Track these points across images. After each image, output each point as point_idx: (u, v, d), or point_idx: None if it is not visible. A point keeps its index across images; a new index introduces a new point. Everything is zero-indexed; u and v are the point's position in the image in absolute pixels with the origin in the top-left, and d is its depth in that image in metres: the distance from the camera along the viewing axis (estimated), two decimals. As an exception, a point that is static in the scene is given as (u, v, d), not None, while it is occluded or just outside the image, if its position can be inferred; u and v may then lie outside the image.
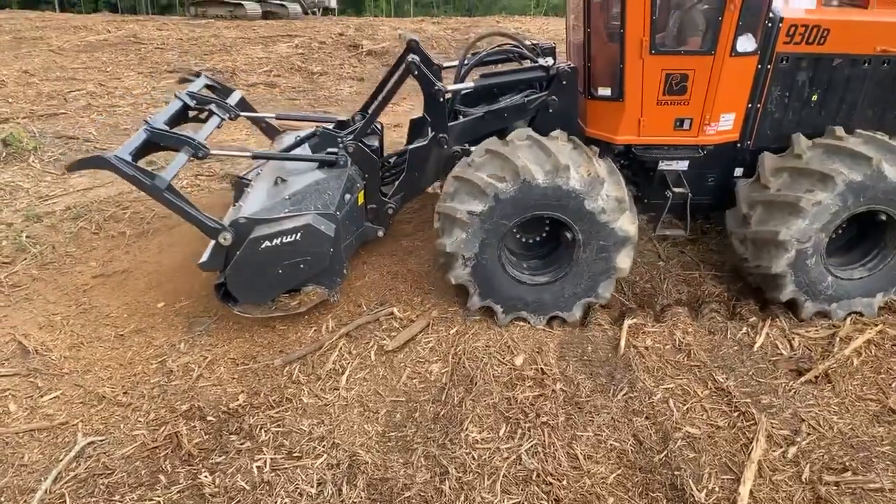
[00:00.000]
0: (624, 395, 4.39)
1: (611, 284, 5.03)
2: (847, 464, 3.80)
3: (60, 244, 6.01)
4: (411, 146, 5.44)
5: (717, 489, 3.64)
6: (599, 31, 5.04)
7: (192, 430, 4.08)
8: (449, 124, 5.26)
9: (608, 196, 4.69)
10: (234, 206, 5.52)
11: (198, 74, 6.63)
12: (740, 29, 4.58)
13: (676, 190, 5.08)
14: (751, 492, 3.60)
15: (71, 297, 5.34)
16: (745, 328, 5.07)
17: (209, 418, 4.19)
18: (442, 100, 5.14)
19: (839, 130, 4.96)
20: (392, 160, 5.97)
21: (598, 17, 5.04)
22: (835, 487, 3.63)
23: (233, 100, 6.32)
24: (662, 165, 5.21)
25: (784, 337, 4.99)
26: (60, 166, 7.90)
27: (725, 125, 5.04)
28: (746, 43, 4.70)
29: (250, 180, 5.62)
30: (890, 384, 4.47)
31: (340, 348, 4.78)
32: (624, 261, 4.90)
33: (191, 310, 5.23)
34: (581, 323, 5.22)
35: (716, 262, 6.05)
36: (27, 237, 5.99)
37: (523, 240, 5.37)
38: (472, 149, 5.20)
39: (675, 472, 3.74)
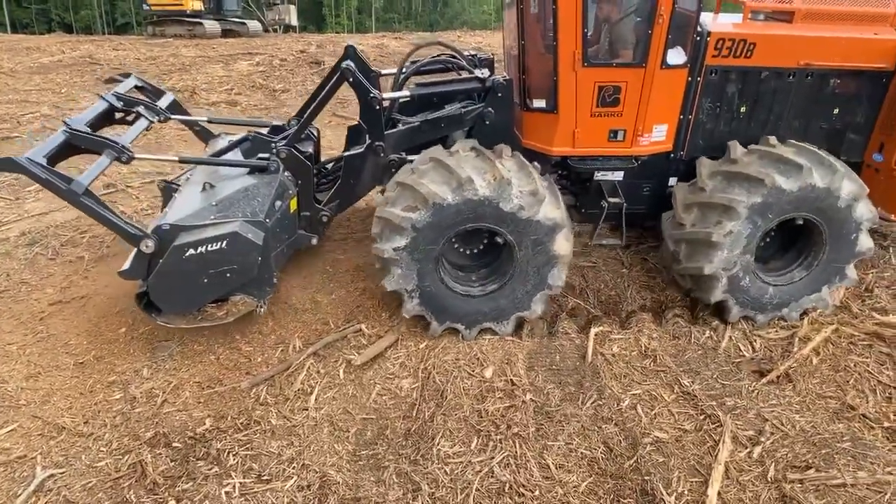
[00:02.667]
0: (593, 402, 4.43)
1: (559, 272, 4.95)
2: (810, 461, 3.90)
3: (15, 271, 5.84)
4: (347, 153, 5.39)
5: (686, 492, 3.69)
6: (533, 43, 5.10)
7: (158, 457, 3.98)
8: (386, 132, 5.23)
9: (521, 193, 4.67)
10: (163, 212, 5.33)
11: (126, 75, 6.35)
12: (670, 42, 4.70)
13: (612, 200, 5.19)
14: (719, 493, 3.66)
15: (27, 326, 5.17)
16: (708, 332, 5.18)
17: (175, 444, 4.09)
18: (378, 107, 5.10)
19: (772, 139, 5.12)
20: (328, 167, 5.87)
21: (532, 29, 5.10)
22: (799, 485, 3.71)
23: (164, 102, 6.08)
24: (598, 176, 5.32)
25: (746, 339, 5.11)
26: (13, 190, 7.69)
27: (658, 136, 5.16)
28: (676, 56, 4.84)
29: (179, 185, 5.44)
30: (848, 381, 4.60)
31: (308, 368, 4.73)
32: (562, 246, 4.84)
33: (153, 335, 5.11)
34: (549, 331, 5.28)
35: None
36: (-20, 265, 5.80)
37: (466, 252, 5.35)
38: (409, 157, 5.20)
39: (646, 478, 3.79)
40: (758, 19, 5.28)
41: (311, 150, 5.83)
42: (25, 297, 5.51)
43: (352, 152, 5.32)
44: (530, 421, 4.25)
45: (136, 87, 6.10)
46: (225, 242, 4.40)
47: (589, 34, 4.69)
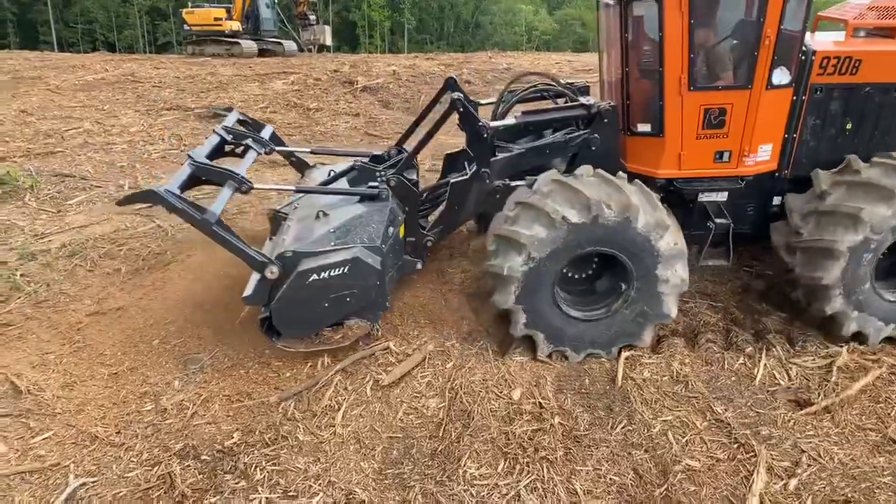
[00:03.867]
0: (622, 427, 4.36)
1: (674, 302, 5.00)
2: (849, 495, 3.77)
3: (55, 282, 5.99)
4: (453, 180, 5.44)
5: (718, 523, 3.60)
6: (638, 69, 5.22)
7: (186, 469, 4.02)
8: (491, 160, 5.32)
9: (647, 220, 4.73)
10: (271, 239, 5.56)
11: (229, 109, 6.75)
12: (775, 63, 4.76)
13: (719, 221, 5.22)
14: (753, 526, 3.56)
15: (64, 336, 5.30)
16: (742, 358, 5.07)
17: (203, 457, 4.13)
18: (486, 135, 5.23)
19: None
20: (425, 195, 6.02)
21: (637, 56, 5.22)
22: (838, 520, 3.59)
23: (265, 134, 6.45)
24: (702, 197, 5.33)
25: (781, 367, 4.98)
26: (56, 203, 7.93)
27: (763, 156, 5.19)
28: (781, 76, 4.88)
29: (287, 214, 5.60)
30: (889, 413, 4.45)
31: (336, 384, 4.75)
32: (681, 275, 4.91)
33: (186, 347, 5.20)
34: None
35: (711, 293, 6.06)
36: (21, 276, 5.96)
37: (574, 276, 5.37)
38: (513, 184, 5.31)
39: (676, 507, 3.70)
40: (859, 36, 5.33)
41: (415, 177, 5.99)
42: (64, 308, 5.65)
43: (458, 179, 5.39)
44: (558, 445, 4.20)
45: (239, 120, 6.44)
46: (347, 268, 4.60)
47: (694, 58, 4.77)
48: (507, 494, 3.82)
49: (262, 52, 24.79)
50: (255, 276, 4.77)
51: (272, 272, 4.56)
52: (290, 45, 27.08)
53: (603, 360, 5.10)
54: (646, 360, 5.05)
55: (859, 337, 5.23)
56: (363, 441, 4.29)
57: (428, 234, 5.49)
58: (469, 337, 5.38)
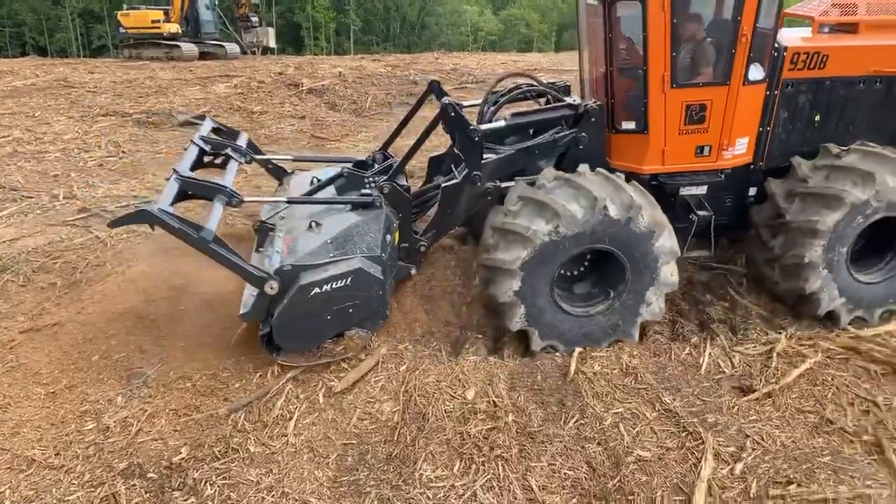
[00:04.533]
0: (575, 422, 4.41)
1: (662, 300, 5.23)
2: (791, 476, 3.90)
3: (-16, 299, 5.70)
4: (445, 184, 5.41)
5: (670, 511, 3.68)
6: (621, 69, 5.38)
7: (132, 489, 3.87)
8: (482, 162, 5.33)
9: (646, 219, 4.92)
10: (257, 251, 5.41)
11: (202, 118, 6.60)
12: (751, 59, 4.99)
13: (701, 213, 5.38)
14: (702, 511, 3.65)
15: (-4, 355, 5.04)
16: (688, 348, 5.21)
17: (150, 475, 3.99)
18: (477, 139, 5.23)
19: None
20: (415, 200, 5.96)
21: (620, 56, 5.36)
22: (781, 501, 3.72)
23: (242, 141, 6.30)
24: (684, 191, 5.50)
25: (725, 355, 5.14)
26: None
27: (741, 149, 5.44)
28: (756, 72, 5.13)
29: (274, 225, 5.49)
30: (826, 395, 4.64)
31: (287, 393, 4.65)
32: (673, 275, 5.15)
33: (128, 362, 5.00)
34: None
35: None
36: (-53, 293, 5.65)
37: (566, 273, 5.47)
38: (503, 185, 5.36)
39: (629, 497, 3.77)
40: (824, 32, 5.60)
41: (405, 182, 5.91)
42: (-6, 326, 5.37)
43: (449, 183, 5.35)
44: (513, 442, 4.22)
45: (213, 129, 6.26)
46: (349, 279, 4.55)
47: (676, 57, 4.94)
48: (463, 495, 3.82)
49: (203, 56, 24.19)
50: (249, 292, 4.71)
51: (272, 287, 4.48)
52: (232, 47, 26.53)
53: (555, 355, 5.17)
54: (596, 353, 5.13)
55: (831, 316, 5.54)
56: (317, 449, 4.22)
57: (421, 239, 5.47)
58: (422, 339, 5.36)
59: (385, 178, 5.41)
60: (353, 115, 14.55)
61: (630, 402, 4.59)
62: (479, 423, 4.37)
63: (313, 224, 5.04)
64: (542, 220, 4.86)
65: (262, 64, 20.83)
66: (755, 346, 5.24)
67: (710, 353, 5.12)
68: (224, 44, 26.36)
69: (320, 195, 5.72)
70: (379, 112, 14.98)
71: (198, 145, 5.74)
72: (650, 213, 4.95)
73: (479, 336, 5.57)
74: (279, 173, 6.68)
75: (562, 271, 5.26)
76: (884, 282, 5.56)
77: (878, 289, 5.55)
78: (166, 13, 24.42)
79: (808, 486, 3.81)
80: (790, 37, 5.52)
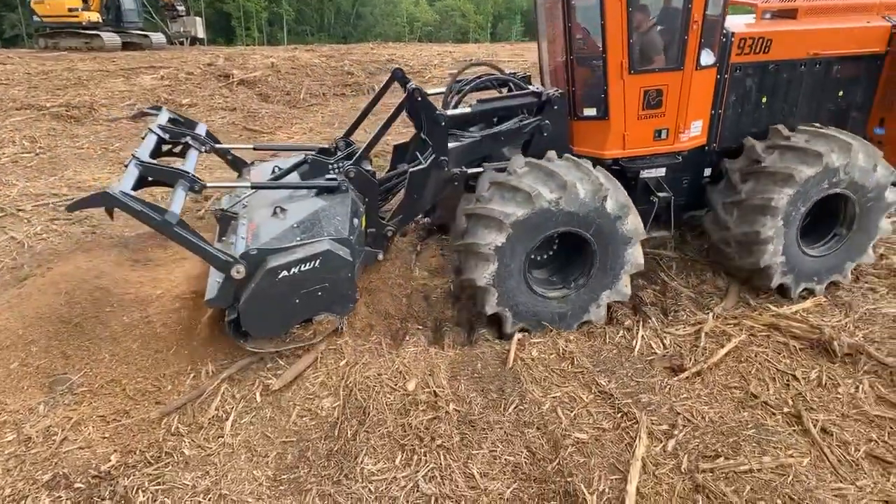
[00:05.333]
0: (515, 407, 4.47)
1: (627, 281, 5.47)
2: (719, 450, 4.08)
3: None
4: (412, 169, 5.41)
5: (606, 490, 3.78)
6: (581, 57, 5.54)
7: (57, 501, 3.69)
8: (449, 147, 5.40)
9: (615, 203, 5.13)
10: (220, 240, 5.26)
11: (157, 108, 6.41)
12: (702, 45, 5.25)
13: (661, 194, 5.61)
14: (637, 489, 3.77)
15: None
16: (621, 331, 5.36)
17: (77, 485, 3.81)
18: (444, 124, 5.33)
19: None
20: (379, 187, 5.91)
21: (579, 45, 5.53)
22: (710, 474, 3.88)
23: (200, 132, 6.16)
24: (643, 174, 5.72)
25: (657, 336, 5.32)
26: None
27: (695, 132, 5.71)
28: (707, 57, 5.39)
29: (236, 213, 5.33)
30: (750, 371, 4.87)
31: (223, 393, 4.53)
32: (638, 256, 5.37)
33: (51, 368, 4.74)
34: (470, 339, 5.32)
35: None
36: None
37: (536, 258, 5.58)
38: (469, 171, 5.49)
39: (568, 479, 3.85)
40: (766, 18, 5.91)
41: (370, 167, 5.84)
42: None
43: (416, 168, 5.37)
44: (454, 431, 4.24)
45: (170, 119, 6.10)
46: (318, 262, 4.47)
47: (633, 44, 5.13)
48: (405, 486, 3.82)
49: (126, 46, 23.06)
50: (214, 277, 4.63)
51: (238, 271, 4.37)
52: (157, 37, 25.42)
53: (494, 344, 5.23)
54: (534, 339, 5.22)
55: (781, 288, 5.93)
56: (255, 449, 4.13)
57: (388, 225, 5.48)
58: (362, 332, 5.32)
59: (350, 162, 5.39)
60: (287, 107, 14.24)
61: (567, 386, 4.69)
62: (421, 414, 4.37)
63: (278, 210, 4.96)
64: (514, 204, 4.98)
65: (190, 55, 20.05)
66: (685, 328, 5.44)
67: (642, 336, 5.29)
68: (149, 34, 25.22)
69: (284, 182, 5.65)
70: (314, 103, 14.71)
71: (156, 134, 5.58)
72: (617, 197, 5.13)
73: (420, 327, 5.58)
74: (238, 164, 6.56)
75: (532, 256, 5.39)
76: (828, 255, 5.95)
77: (824, 262, 5.94)
78: (85, 1, 23.16)
79: (735, 459, 3.99)
80: (736, 23, 5.82)
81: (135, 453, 4.05)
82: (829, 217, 5.93)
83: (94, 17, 23.00)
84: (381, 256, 5.54)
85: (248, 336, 4.66)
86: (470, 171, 5.51)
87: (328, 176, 5.37)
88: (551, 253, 5.67)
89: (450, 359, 5.01)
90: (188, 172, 4.88)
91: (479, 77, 6.51)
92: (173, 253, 6.26)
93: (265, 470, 3.98)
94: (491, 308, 5.23)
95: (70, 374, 4.69)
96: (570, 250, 5.54)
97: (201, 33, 28.79)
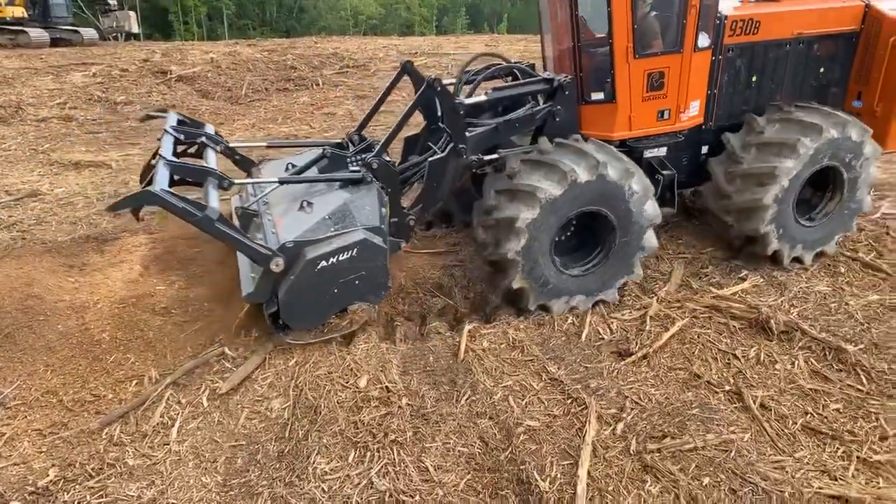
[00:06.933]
0: (467, 399, 4.49)
1: (640, 261, 5.74)
2: (666, 430, 4.20)
3: None
4: (431, 158, 5.48)
5: (558, 476, 3.84)
6: (588, 43, 5.77)
7: (-9, 521, 3.52)
8: (467, 135, 5.47)
9: (638, 184, 5.37)
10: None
11: (164, 111, 6.38)
12: (700, 28, 5.49)
13: (665, 172, 5.90)
14: (588, 472, 3.84)
15: None
16: (570, 318, 5.44)
17: (13, 503, 3.64)
18: (462, 112, 5.44)
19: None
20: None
21: (586, 31, 5.77)
22: (658, 454, 3.99)
23: (209, 132, 6.18)
24: (647, 153, 5.99)
25: (604, 322, 5.43)
26: None
27: (694, 111, 5.95)
28: (703, 39, 5.64)
29: (256, 211, 5.33)
30: (693, 352, 5.03)
31: (168, 399, 4.39)
32: (653, 239, 5.63)
33: (-20, 382, 4.53)
34: (421, 333, 5.32)
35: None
36: None
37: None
38: (486, 157, 5.60)
39: (521, 467, 3.89)
40: (752, 1, 6.22)
41: (389, 159, 5.81)
42: None
43: (436, 157, 5.44)
44: (407, 426, 4.23)
45: (178, 121, 6.06)
46: (355, 250, 4.62)
47: (638, 29, 5.33)
48: (359, 484, 3.79)
49: (55, 42, 21.98)
50: (249, 272, 4.77)
51: (277, 265, 4.47)
52: (89, 33, 24.33)
53: (445, 336, 5.22)
54: (484, 331, 5.25)
55: (775, 256, 6.23)
56: (203, 455, 4.03)
57: (410, 213, 5.49)
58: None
59: (372, 154, 5.44)
60: (228, 103, 13.90)
61: (518, 375, 4.74)
62: (373, 410, 4.34)
63: (305, 204, 5.05)
64: (550, 181, 5.17)
65: (124, 51, 19.31)
66: (631, 312, 5.57)
67: (590, 322, 5.38)
68: (80, 29, 24.14)
69: (318, 175, 5.64)
70: (256, 99, 14.40)
71: (172, 135, 5.59)
72: (641, 179, 5.37)
73: (370, 323, 5.52)
74: (246, 164, 6.50)
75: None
76: (819, 225, 6.31)
77: (814, 231, 6.31)
78: (8, -5, 21.98)
79: (681, 438, 4.11)
80: (726, 6, 6.05)
81: (74, 466, 3.88)
82: (818, 190, 6.37)
83: (19, 12, 21.83)
84: (404, 245, 5.58)
85: (287, 328, 4.76)
86: (487, 157, 5.64)
87: (352, 168, 5.47)
88: (567, 234, 5.82)
89: (401, 353, 4.99)
90: (215, 170, 4.96)
91: (488, 67, 6.66)
92: (110, 257, 6.06)
93: (214, 476, 3.88)
94: (518, 282, 5.35)
95: (2, 388, 4.48)
96: (584, 233, 5.77)
97: (135, 28, 27.79)
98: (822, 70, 6.46)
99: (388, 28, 56.16)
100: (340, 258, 4.59)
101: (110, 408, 4.36)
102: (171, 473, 3.87)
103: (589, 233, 5.71)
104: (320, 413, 4.30)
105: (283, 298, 4.56)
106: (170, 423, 4.23)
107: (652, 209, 5.47)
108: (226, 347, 4.86)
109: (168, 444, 4.07)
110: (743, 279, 6.13)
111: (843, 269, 6.27)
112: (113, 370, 4.63)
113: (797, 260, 6.35)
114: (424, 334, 5.30)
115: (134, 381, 4.57)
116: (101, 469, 3.87)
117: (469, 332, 5.19)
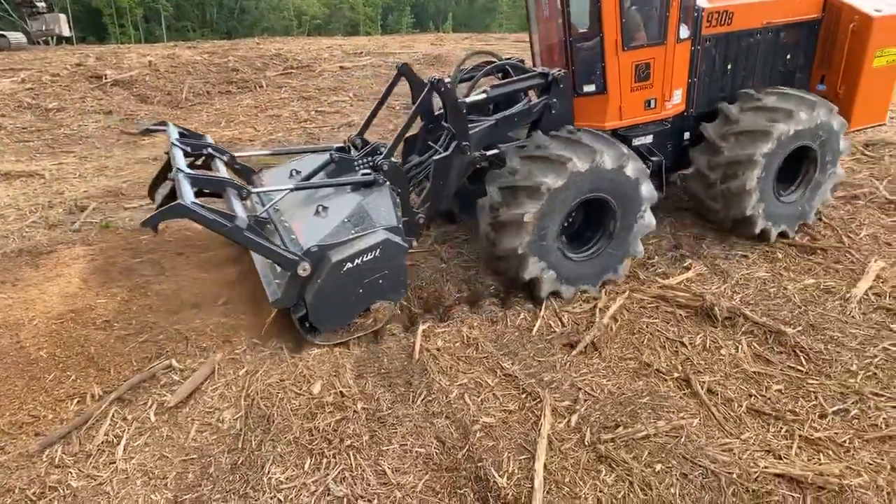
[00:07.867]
0: (423, 399, 4.48)
1: (640, 241, 5.94)
2: (618, 420, 4.28)
3: None
4: (436, 157, 5.58)
5: (516, 471, 3.87)
6: (578, 38, 5.95)
7: (-77, 556, 3.32)
8: (470, 132, 5.60)
9: (635, 169, 5.56)
10: None
11: (163, 123, 6.20)
12: (681, 20, 5.77)
13: (654, 158, 6.19)
14: (545, 465, 3.88)
15: None
16: (522, 314, 5.50)
17: (-54, 536, 3.45)
18: (465, 111, 5.58)
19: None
20: None
21: (577, 27, 5.97)
22: (611, 443, 4.06)
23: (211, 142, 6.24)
24: (635, 141, 6.26)
25: (556, 316, 5.50)
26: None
27: (677, 100, 6.25)
28: (684, 31, 5.95)
29: (268, 218, 5.26)
30: (642, 342, 5.14)
31: (112, 416, 4.24)
32: (651, 219, 5.83)
33: None
34: (375, 335, 5.29)
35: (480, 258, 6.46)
36: None
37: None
38: (487, 153, 5.75)
39: (478, 464, 3.91)
40: None
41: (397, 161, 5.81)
42: None
43: (441, 156, 5.54)
44: (363, 430, 4.19)
45: (179, 133, 6.07)
46: (378, 251, 4.76)
47: (626, 22, 5.57)
48: (315, 491, 3.73)
49: (-21, 47, 20.98)
50: (272, 279, 4.92)
51: (304, 269, 4.59)
52: (16, 37, 23.25)
53: (399, 338, 5.20)
54: (439, 329, 5.25)
55: (762, 234, 6.61)
56: (152, 472, 3.90)
57: (419, 212, 5.55)
58: (261, 339, 5.13)
59: (381, 157, 5.46)
60: (169, 108, 13.49)
61: (473, 373, 4.75)
62: (328, 416, 4.29)
63: (320, 209, 5.14)
64: (552, 173, 5.28)
65: (55, 55, 18.49)
66: (581, 305, 5.65)
67: (542, 316, 5.44)
68: (6, 33, 23.03)
69: (332, 180, 5.69)
70: (197, 102, 14.01)
71: (180, 147, 5.60)
72: (635, 164, 5.55)
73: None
74: (246, 172, 6.42)
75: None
76: (797, 202, 6.70)
77: (794, 207, 6.69)
78: (-74, -2, 20.82)
79: (633, 427, 4.20)
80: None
81: (13, 492, 3.70)
82: (793, 168, 6.66)
83: (-61, 16, 20.74)
84: (414, 243, 5.57)
85: (316, 331, 4.88)
86: (489, 153, 5.76)
87: (362, 171, 5.57)
88: (570, 221, 5.89)
89: (355, 357, 4.94)
90: (232, 180, 5.10)
91: (482, 65, 6.74)
92: (46, 271, 5.82)
93: (164, 492, 3.76)
94: (530, 273, 5.47)
95: (-70, 414, 4.23)
96: (585, 220, 5.96)
97: (67, 31, 26.66)
98: (788, 56, 6.85)
99: (333, 28, 55.58)
100: (365, 259, 4.73)
101: (50, 428, 4.17)
102: (118, 493, 3.73)
103: (590, 219, 5.91)
104: (273, 422, 4.22)
105: (312, 301, 4.69)
106: (115, 440, 4.09)
107: (647, 190, 5.67)
108: (173, 360, 4.72)
109: (114, 463, 3.92)
110: (687, 268, 6.31)
111: (780, 255, 6.52)
112: (52, 389, 4.43)
113: (783, 235, 6.74)
114: (378, 336, 5.25)
115: (75, 400, 4.38)
116: (42, 493, 3.71)
117: (423, 331, 5.18)
